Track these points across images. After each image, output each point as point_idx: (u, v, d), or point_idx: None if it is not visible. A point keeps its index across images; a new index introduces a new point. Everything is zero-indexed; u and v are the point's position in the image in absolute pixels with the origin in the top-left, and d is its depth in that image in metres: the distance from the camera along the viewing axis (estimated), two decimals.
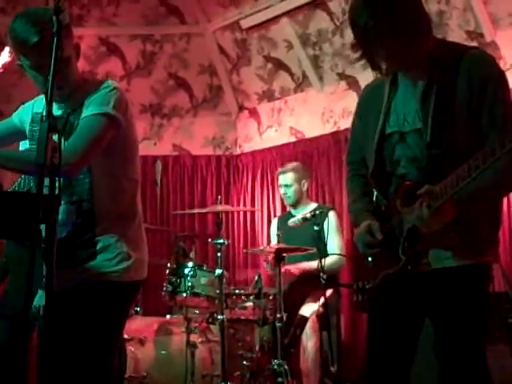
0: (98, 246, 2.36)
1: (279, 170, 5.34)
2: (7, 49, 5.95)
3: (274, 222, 5.47)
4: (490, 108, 2.12)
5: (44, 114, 1.93)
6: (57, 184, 1.87)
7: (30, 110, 2.57)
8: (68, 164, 2.14)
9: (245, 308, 4.42)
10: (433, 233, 2.11)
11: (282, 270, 4.60)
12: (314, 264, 4.48)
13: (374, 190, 2.45)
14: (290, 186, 5.14)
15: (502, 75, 2.21)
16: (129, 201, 2.49)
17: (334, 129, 6.35)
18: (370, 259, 2.34)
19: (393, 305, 2.32)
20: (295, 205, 5.17)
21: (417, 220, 2.12)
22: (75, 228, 2.38)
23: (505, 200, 4.85)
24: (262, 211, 6.61)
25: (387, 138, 2.33)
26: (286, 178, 5.17)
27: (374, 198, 2.46)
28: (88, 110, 2.33)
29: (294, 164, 5.35)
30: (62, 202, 2.27)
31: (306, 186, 5.22)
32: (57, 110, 2.38)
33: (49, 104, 1.91)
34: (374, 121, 2.36)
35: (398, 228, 2.24)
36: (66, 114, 2.40)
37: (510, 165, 2.00)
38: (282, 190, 5.25)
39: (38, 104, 2.54)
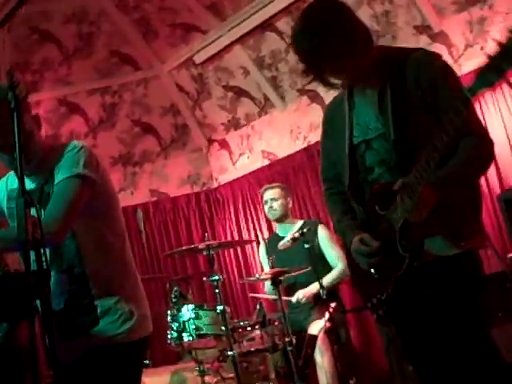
0: (99, 310, 2.31)
1: (264, 186, 5.32)
2: None
3: (262, 247, 5.43)
4: (445, 102, 2.17)
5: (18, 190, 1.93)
6: (43, 258, 1.86)
7: (3, 189, 2.54)
8: (51, 233, 2.12)
9: (253, 339, 4.38)
10: (423, 221, 2.13)
11: (294, 299, 4.62)
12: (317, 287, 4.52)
13: (353, 203, 2.47)
14: (277, 199, 5.13)
15: (447, 67, 2.31)
16: (119, 256, 2.44)
17: (305, 144, 6.40)
18: (373, 271, 2.33)
19: (415, 304, 2.31)
20: (280, 219, 5.15)
21: (404, 213, 2.14)
22: (71, 295, 2.33)
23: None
24: (251, 238, 6.59)
25: (356, 150, 2.40)
26: (273, 192, 5.17)
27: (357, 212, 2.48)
28: (59, 176, 2.30)
29: (277, 183, 5.40)
30: (53, 273, 2.24)
31: (290, 203, 5.24)
32: (30, 184, 2.37)
33: (21, 180, 1.90)
34: (341, 136, 2.43)
35: (388, 230, 2.24)
36: (39, 185, 2.37)
37: (474, 149, 2.15)
38: (266, 206, 5.20)
39: (11, 180, 2.52)
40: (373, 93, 2.34)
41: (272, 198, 5.15)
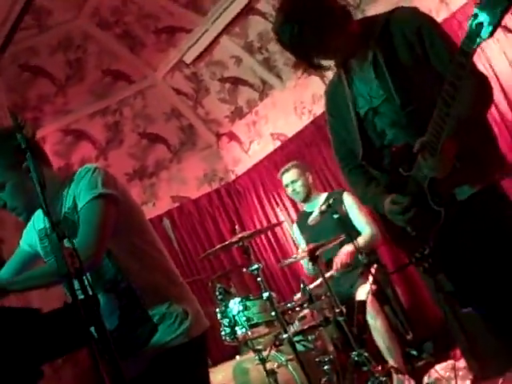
0: (155, 319, 2.36)
1: (280, 171, 5.32)
2: None
3: (294, 227, 5.45)
4: (432, 49, 2.27)
5: (47, 226, 1.97)
6: (86, 284, 1.90)
7: (32, 231, 2.59)
8: (88, 258, 2.17)
9: (304, 317, 4.41)
10: (448, 174, 2.16)
11: (334, 268, 4.63)
12: (350, 247, 4.52)
13: (372, 171, 2.51)
14: (296, 180, 5.14)
15: (428, 17, 2.40)
16: (157, 262, 2.48)
17: (311, 117, 6.40)
18: (409, 229, 2.36)
19: (458, 245, 2.33)
20: (306, 199, 5.16)
21: (430, 172, 2.17)
22: (123, 311, 2.38)
23: None
24: (279, 221, 6.61)
25: (364, 120, 2.46)
26: (290, 175, 5.18)
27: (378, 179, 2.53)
28: (81, 201, 2.33)
29: (292, 162, 5.37)
30: (99, 295, 2.28)
31: (310, 178, 5.22)
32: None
33: (48, 215, 1.94)
34: (346, 112, 2.50)
35: (417, 189, 2.26)
36: (63, 216, 2.41)
37: (476, 87, 2.22)
38: (289, 190, 5.23)
39: (37, 221, 2.56)
40: (366, 62, 2.40)
41: (291, 180, 5.16)
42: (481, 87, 2.28)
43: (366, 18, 2.57)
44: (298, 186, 5.14)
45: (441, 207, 2.21)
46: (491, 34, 1.75)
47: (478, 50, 4.90)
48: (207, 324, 2.51)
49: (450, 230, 2.25)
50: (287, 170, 5.22)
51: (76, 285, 1.86)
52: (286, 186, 5.23)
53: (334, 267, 4.68)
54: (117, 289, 2.37)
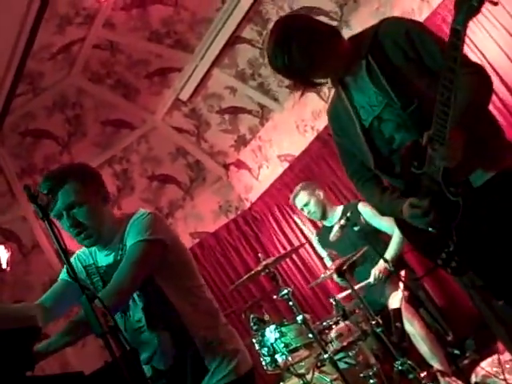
0: (207, 360, 2.42)
1: (291, 197, 5.35)
2: (1, 247, 6.09)
3: (315, 241, 5.44)
4: (425, 49, 2.33)
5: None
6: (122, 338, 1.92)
7: (80, 268, 2.63)
8: (118, 293, 2.29)
9: (341, 335, 4.38)
10: (461, 162, 2.15)
11: (372, 279, 4.64)
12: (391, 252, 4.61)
13: (386, 179, 2.53)
14: (308, 202, 5.16)
15: (413, 21, 2.51)
16: (207, 304, 2.57)
17: (315, 133, 6.41)
18: (431, 229, 2.35)
19: (482, 237, 2.31)
20: (323, 216, 5.17)
21: (441, 162, 2.16)
22: (179, 349, 2.44)
23: None
24: (301, 242, 6.59)
25: (370, 130, 2.48)
26: (301, 198, 5.20)
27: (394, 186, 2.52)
28: (129, 242, 2.44)
29: (299, 185, 5.38)
30: (155, 334, 2.43)
31: (322, 194, 5.23)
32: (107, 258, 2.54)
33: (75, 279, 1.96)
34: (351, 127, 2.53)
35: (432, 185, 2.26)
36: (116, 258, 2.50)
37: (473, 76, 2.26)
38: (305, 213, 5.27)
39: (83, 258, 2.65)
40: (361, 73, 2.44)
41: (304, 204, 5.18)
42: (478, 75, 2.30)
43: (355, 35, 2.59)
44: (312, 206, 5.15)
45: (458, 197, 2.20)
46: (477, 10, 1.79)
47: (469, 41, 4.91)
48: (251, 362, 2.54)
49: (470, 220, 2.24)
50: (296, 195, 5.24)
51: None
52: (301, 209, 5.26)
53: (372, 277, 4.66)
54: (172, 328, 2.44)
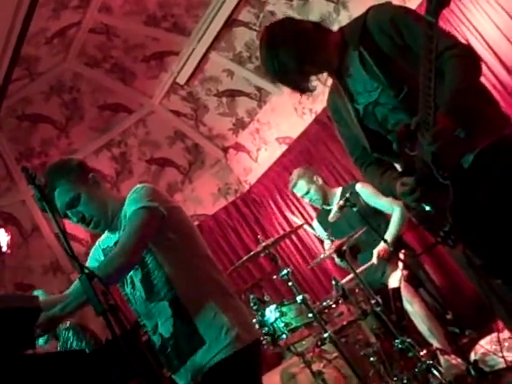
0: (201, 328, 2.43)
1: (289, 186, 5.34)
2: (1, 230, 6.11)
3: (315, 223, 5.45)
4: (410, 35, 2.34)
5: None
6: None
7: (99, 250, 2.74)
8: (121, 262, 2.36)
9: (341, 314, 4.40)
10: (451, 146, 2.16)
11: (374, 260, 4.65)
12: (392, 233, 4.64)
13: (387, 159, 2.56)
14: (308, 190, 5.16)
15: (398, 7, 2.54)
16: (207, 275, 2.56)
17: (313, 115, 6.41)
18: (428, 208, 2.36)
19: (479, 215, 2.32)
20: (325, 201, 5.18)
21: (429, 147, 2.17)
22: (175, 319, 2.46)
23: None
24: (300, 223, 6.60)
25: (365, 114, 2.54)
26: (300, 187, 5.19)
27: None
28: (128, 213, 2.49)
29: (295, 173, 5.34)
30: (153, 304, 2.48)
31: (320, 179, 5.22)
32: (114, 236, 2.61)
33: (74, 258, 1.98)
34: (347, 114, 2.60)
35: (425, 167, 2.27)
36: (120, 234, 2.56)
37: (460, 58, 2.26)
38: (306, 200, 5.29)
39: (102, 241, 2.73)
40: (355, 63, 2.49)
41: (304, 192, 5.18)
42: (465, 57, 2.29)
43: (344, 25, 2.65)
44: (313, 194, 5.16)
45: (446, 180, 2.21)
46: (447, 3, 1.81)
47: (467, 23, 4.88)
48: (258, 334, 2.54)
49: (464, 202, 2.25)
50: (295, 185, 5.22)
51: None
52: (302, 198, 5.28)
53: (374, 258, 4.67)
54: (167, 298, 2.47)
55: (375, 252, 4.68)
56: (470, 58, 2.31)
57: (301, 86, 2.56)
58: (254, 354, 2.51)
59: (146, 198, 2.48)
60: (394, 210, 4.78)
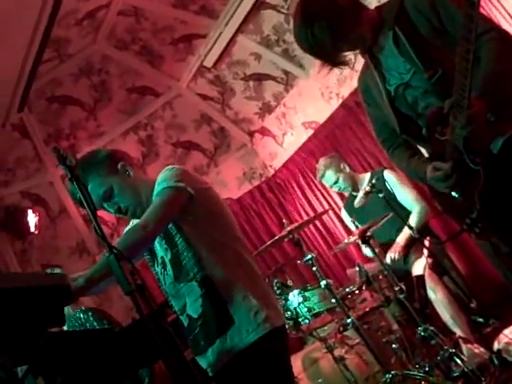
0: (231, 309, 2.41)
1: (317, 176, 5.33)
2: (30, 211, 6.20)
3: (343, 212, 5.44)
4: (448, 19, 2.32)
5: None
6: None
7: None
8: (145, 233, 2.36)
9: (364, 300, 4.40)
10: (482, 130, 2.14)
11: (389, 258, 4.64)
12: (405, 233, 4.58)
13: (414, 143, 2.54)
14: (337, 180, 5.15)
15: None
16: (236, 256, 2.54)
17: (340, 100, 6.37)
18: (455, 195, 2.35)
19: (506, 207, 2.30)
20: (355, 188, 5.16)
21: (462, 130, 2.15)
22: (204, 300, 2.46)
23: None
24: (325, 208, 6.60)
25: (396, 96, 2.52)
26: (328, 177, 5.19)
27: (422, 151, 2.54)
28: (155, 192, 2.50)
29: (321, 163, 5.33)
30: (182, 284, 2.48)
31: (347, 167, 5.21)
32: None
33: (104, 239, 2.00)
34: (378, 94, 2.57)
35: (455, 151, 2.25)
36: None
37: (496, 42, 2.25)
38: (335, 190, 5.30)
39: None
40: (389, 42, 2.47)
41: (332, 182, 5.18)
42: (501, 40, 2.28)
43: (382, 4, 2.61)
44: (342, 183, 5.15)
45: (478, 165, 2.19)
46: None
47: (498, 4, 4.80)
48: (283, 320, 2.54)
49: (493, 188, 2.22)
50: (323, 175, 5.22)
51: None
52: (331, 187, 5.28)
53: (388, 259, 4.65)
54: (197, 278, 2.46)
55: (389, 254, 4.67)
56: (506, 42, 2.30)
57: (335, 61, 2.54)
58: (283, 337, 2.50)
59: (174, 179, 2.48)
60: (412, 207, 4.76)
